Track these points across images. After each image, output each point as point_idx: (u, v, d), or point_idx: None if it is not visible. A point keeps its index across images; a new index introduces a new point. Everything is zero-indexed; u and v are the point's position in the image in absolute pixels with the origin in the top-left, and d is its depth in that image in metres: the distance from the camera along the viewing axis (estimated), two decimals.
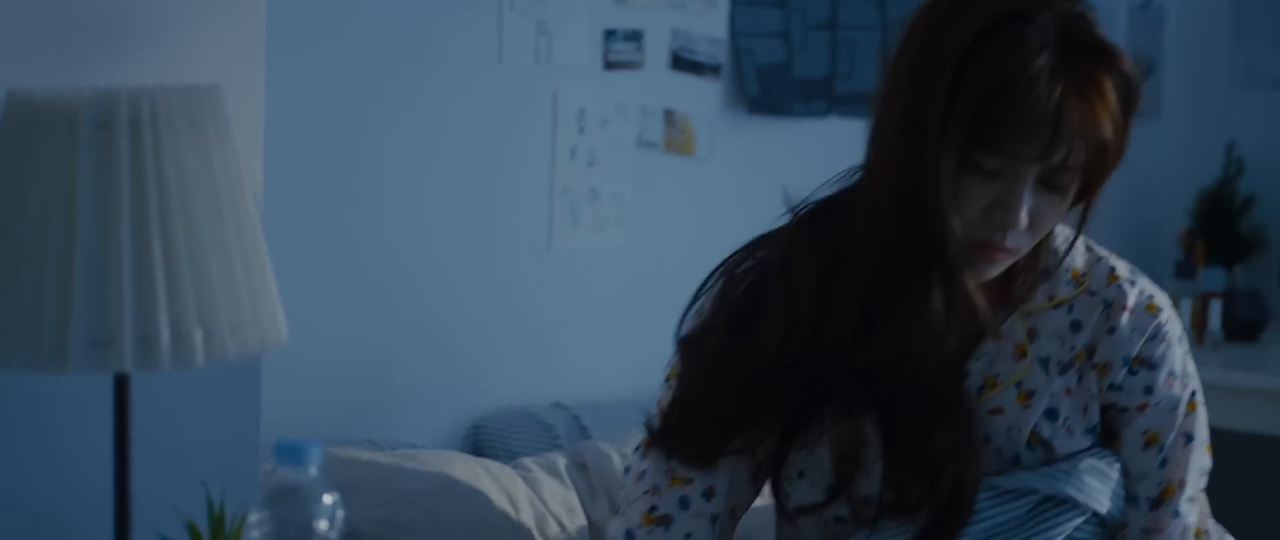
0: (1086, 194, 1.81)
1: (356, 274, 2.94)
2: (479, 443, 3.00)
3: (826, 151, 3.67)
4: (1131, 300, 1.91)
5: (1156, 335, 1.90)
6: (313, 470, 1.56)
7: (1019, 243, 1.78)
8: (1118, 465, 1.91)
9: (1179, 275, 4.41)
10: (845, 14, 3.75)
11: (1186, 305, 4.25)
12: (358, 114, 2.95)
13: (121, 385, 1.57)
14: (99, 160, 1.48)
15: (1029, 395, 1.87)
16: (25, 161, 1.49)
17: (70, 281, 1.47)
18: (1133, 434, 1.91)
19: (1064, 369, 1.89)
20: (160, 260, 1.49)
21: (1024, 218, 1.74)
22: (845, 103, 4.01)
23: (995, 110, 1.71)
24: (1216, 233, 4.55)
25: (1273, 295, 4.47)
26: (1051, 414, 1.88)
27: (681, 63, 3.51)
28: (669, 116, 3.46)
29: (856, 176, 1.86)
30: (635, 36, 3.43)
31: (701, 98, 3.50)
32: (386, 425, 2.94)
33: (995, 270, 1.81)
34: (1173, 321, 1.93)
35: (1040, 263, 1.88)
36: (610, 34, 3.38)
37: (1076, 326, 1.90)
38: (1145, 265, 4.85)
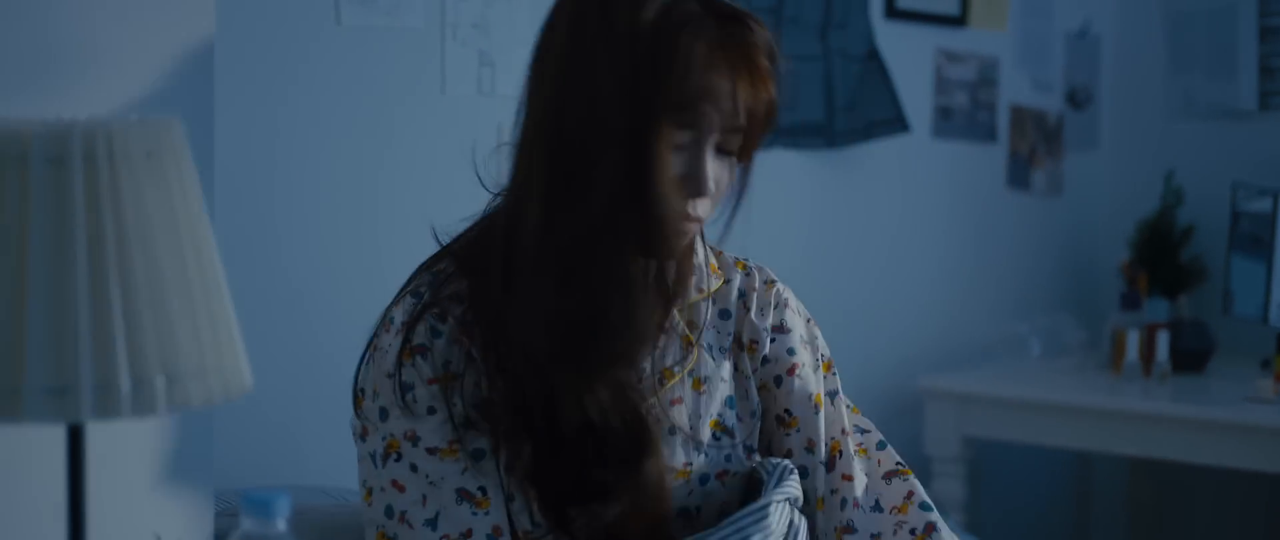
0: (743, 157, 1.87)
1: (302, 314, 2.85)
2: None
3: (772, 183, 3.61)
4: (758, 281, 2.01)
5: (779, 303, 2.02)
6: (280, 523, 1.47)
7: (707, 211, 1.85)
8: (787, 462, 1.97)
9: (1124, 306, 4.38)
10: (786, 45, 3.70)
11: (1134, 337, 4.22)
12: (300, 149, 2.86)
13: (75, 436, 1.47)
14: (52, 196, 1.39)
15: (703, 382, 1.94)
16: None
17: (22, 325, 1.38)
18: (798, 399, 2.00)
19: (725, 355, 1.97)
20: (119, 302, 1.39)
21: (711, 184, 1.80)
22: (789, 134, 3.96)
23: (679, 92, 1.76)
24: (1157, 263, 4.54)
25: (1216, 325, 4.45)
26: (730, 401, 1.96)
27: None
28: None
29: (498, 203, 1.91)
30: None
31: None
32: (336, 471, 2.85)
33: (684, 244, 1.87)
34: (789, 291, 2.05)
35: (692, 253, 1.95)
36: None
37: (725, 315, 1.99)
38: (1088, 296, 4.87)
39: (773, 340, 2.00)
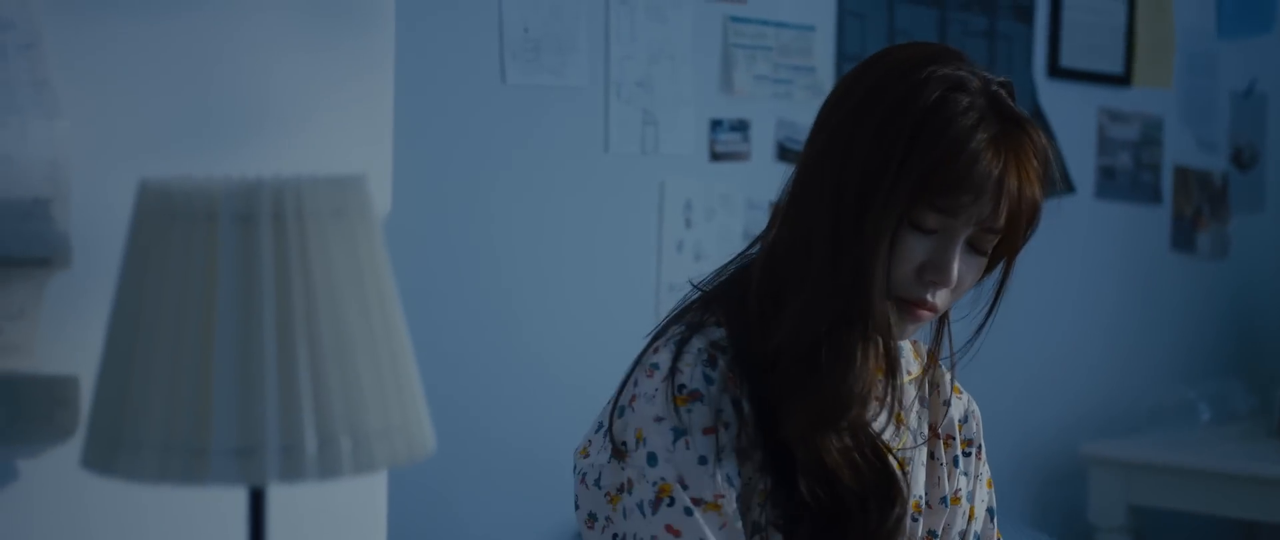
0: (1007, 257, 1.88)
1: (467, 373, 2.83)
2: None
3: None
4: (947, 380, 2.01)
5: (969, 417, 2.03)
6: None
7: (945, 302, 1.84)
8: None
9: None
10: None
11: None
12: (465, 205, 2.86)
13: (257, 499, 1.45)
14: (240, 254, 1.37)
15: (907, 463, 1.93)
16: (161, 256, 1.38)
17: (208, 385, 1.36)
18: (979, 506, 2.03)
19: (923, 440, 1.97)
20: (306, 362, 1.37)
21: (955, 275, 1.79)
22: None
23: (944, 174, 1.77)
24: None
25: None
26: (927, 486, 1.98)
27: (788, 154, 3.41)
28: (774, 208, 3.35)
29: (756, 249, 1.90)
30: (741, 127, 3.33)
31: None
32: (489, 533, 2.82)
33: (916, 330, 1.87)
34: (974, 403, 2.06)
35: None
36: (716, 124, 3.28)
37: (923, 401, 1.99)
38: (1257, 361, 4.74)
39: (965, 454, 2.02)
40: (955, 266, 1.79)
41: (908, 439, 1.94)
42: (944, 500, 1.99)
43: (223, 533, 1.64)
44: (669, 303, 3.17)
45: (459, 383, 2.85)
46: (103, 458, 1.41)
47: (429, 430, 1.47)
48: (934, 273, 1.79)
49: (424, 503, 2.72)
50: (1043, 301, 4.19)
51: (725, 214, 3.27)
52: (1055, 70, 4.17)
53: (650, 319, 3.15)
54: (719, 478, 1.78)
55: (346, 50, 1.82)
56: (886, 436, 1.89)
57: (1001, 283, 1.90)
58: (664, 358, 1.81)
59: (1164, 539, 4.45)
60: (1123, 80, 4.38)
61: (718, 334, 1.83)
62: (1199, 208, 4.63)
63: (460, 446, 2.84)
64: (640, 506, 1.78)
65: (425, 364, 2.56)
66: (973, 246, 1.82)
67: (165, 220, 1.39)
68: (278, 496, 1.54)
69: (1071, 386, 4.31)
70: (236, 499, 1.48)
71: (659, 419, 1.78)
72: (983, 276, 1.88)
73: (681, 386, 1.79)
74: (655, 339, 1.87)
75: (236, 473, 1.36)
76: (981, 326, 1.91)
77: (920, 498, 1.95)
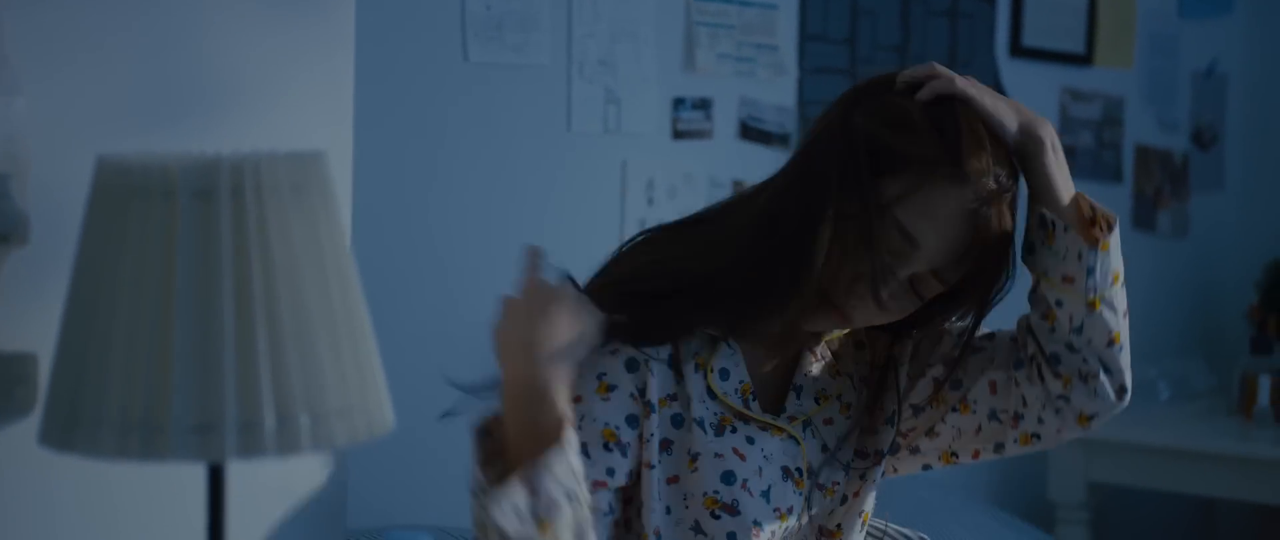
0: (975, 313, 1.90)
1: (419, 350, 2.83)
2: None
3: None
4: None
5: None
6: None
7: (863, 322, 1.86)
8: None
9: (1254, 351, 4.28)
10: None
11: (1265, 382, 4.12)
12: (427, 184, 2.85)
13: (216, 475, 1.45)
14: (199, 231, 1.37)
15: (848, 407, 1.96)
16: (119, 232, 1.38)
17: (167, 361, 1.36)
18: None
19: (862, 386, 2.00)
20: (265, 338, 1.37)
21: (898, 301, 1.82)
22: None
23: (932, 205, 1.78)
24: None
25: None
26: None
27: (750, 132, 3.41)
28: (739, 188, 3.36)
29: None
30: (704, 105, 3.33)
31: (771, 168, 3.39)
32: (452, 511, 2.82)
33: (836, 331, 1.92)
34: None
35: None
36: (679, 102, 3.28)
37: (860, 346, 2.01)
38: (1216, 340, 4.76)
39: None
40: (895, 291, 1.82)
41: (843, 387, 1.98)
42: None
43: (184, 509, 1.64)
44: None
45: (421, 361, 2.84)
46: (61, 435, 1.40)
47: (388, 408, 1.47)
48: (872, 287, 1.80)
49: (384, 482, 2.72)
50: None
51: (688, 192, 3.28)
52: (1017, 50, 4.18)
53: None
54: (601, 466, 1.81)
55: (307, 27, 1.82)
56: (820, 385, 1.95)
57: (969, 331, 1.91)
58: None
59: (1124, 516, 4.47)
60: (1084, 60, 4.39)
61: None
62: (1160, 187, 4.65)
63: (421, 425, 2.84)
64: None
65: (387, 342, 2.56)
66: (922, 281, 1.83)
67: (123, 196, 1.38)
68: (238, 473, 1.54)
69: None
70: (197, 475, 1.47)
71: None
72: (948, 318, 1.91)
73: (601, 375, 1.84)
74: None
75: (195, 449, 1.36)
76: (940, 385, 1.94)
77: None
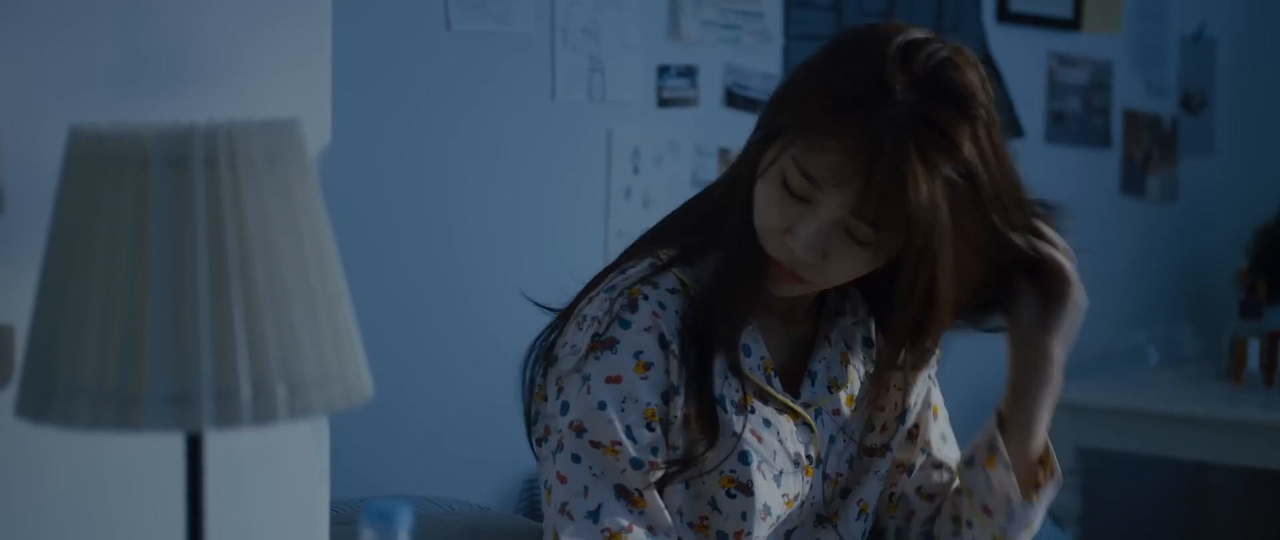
0: (916, 267, 1.78)
1: (410, 319, 2.82)
2: (536, 500, 2.88)
3: None
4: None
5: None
6: (403, 535, 1.43)
7: (810, 275, 1.79)
8: None
9: (1244, 315, 4.28)
10: None
11: (1254, 346, 4.13)
12: (411, 154, 2.84)
13: (195, 445, 1.44)
14: (173, 200, 1.36)
15: (854, 399, 1.94)
16: (93, 202, 1.37)
17: (143, 332, 1.35)
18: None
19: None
20: (240, 308, 1.36)
21: (806, 245, 1.75)
22: None
23: (819, 134, 1.72)
24: (1276, 270, 4.43)
25: None
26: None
27: (736, 99, 3.41)
28: (724, 155, 3.35)
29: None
30: (689, 73, 3.32)
31: None
32: (435, 481, 2.82)
33: (783, 288, 1.83)
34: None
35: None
36: (664, 70, 3.27)
37: (867, 342, 1.99)
38: (1206, 305, 4.76)
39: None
40: (809, 237, 1.75)
41: (853, 378, 1.96)
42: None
43: (164, 479, 1.64)
44: (617, 249, 3.16)
45: (403, 330, 2.84)
46: (37, 405, 1.40)
47: (366, 377, 1.47)
48: (790, 237, 1.77)
49: (367, 451, 2.71)
50: None
51: (673, 160, 3.27)
52: (1005, 15, 4.17)
53: (598, 265, 3.15)
54: (619, 425, 1.78)
55: None
56: (832, 372, 1.93)
57: (926, 323, 1.84)
58: (592, 308, 1.83)
59: (1113, 481, 4.48)
60: (1072, 25, 4.38)
61: (646, 269, 1.84)
62: (1149, 152, 4.64)
63: (403, 395, 2.84)
64: (553, 454, 1.80)
65: (369, 311, 2.57)
66: (852, 233, 1.77)
67: (96, 165, 1.37)
68: (218, 444, 1.53)
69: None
70: (178, 446, 1.47)
71: (576, 369, 1.80)
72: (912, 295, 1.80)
73: (596, 336, 1.80)
74: (590, 288, 1.88)
75: (171, 419, 1.36)
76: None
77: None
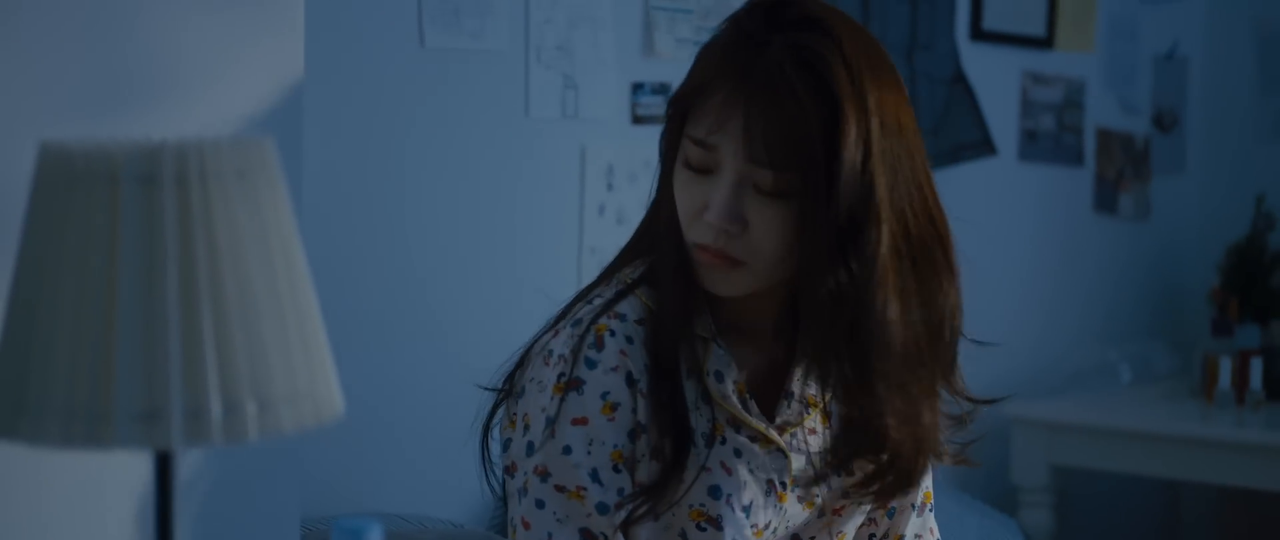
0: (825, 222, 1.72)
1: (382, 338, 2.82)
2: (506, 517, 2.87)
3: None
4: None
5: None
6: None
7: (738, 251, 1.74)
8: None
9: (1216, 333, 4.29)
10: None
11: (1226, 364, 4.14)
12: (383, 170, 2.84)
13: (164, 462, 1.43)
14: (143, 217, 1.35)
15: (829, 418, 1.91)
16: (62, 218, 1.36)
17: (111, 349, 1.34)
18: None
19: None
20: (210, 325, 1.36)
21: (719, 211, 1.72)
22: None
23: (700, 96, 1.73)
24: (1248, 289, 4.44)
25: None
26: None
27: None
28: None
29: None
30: (664, 90, 3.32)
31: None
32: (406, 498, 2.81)
33: (720, 280, 1.78)
34: None
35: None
36: (638, 87, 3.27)
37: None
38: (1178, 323, 4.77)
39: None
40: (721, 201, 1.72)
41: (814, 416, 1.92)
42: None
43: (133, 498, 1.63)
44: (591, 267, 3.17)
45: (375, 347, 2.83)
46: (6, 423, 1.39)
47: (337, 394, 1.46)
48: (707, 213, 1.74)
49: (337, 468, 2.70)
50: (964, 263, 4.20)
51: (647, 178, 3.26)
52: (978, 33, 4.18)
53: (572, 283, 3.15)
54: (584, 470, 1.76)
55: (256, 8, 1.80)
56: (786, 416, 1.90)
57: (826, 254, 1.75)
58: (558, 343, 1.80)
59: (1087, 499, 4.49)
60: (1045, 43, 4.39)
61: (625, 304, 1.82)
62: (1121, 170, 4.66)
63: (374, 411, 2.83)
64: (519, 495, 1.79)
65: (342, 329, 2.56)
66: (759, 188, 1.73)
67: (66, 182, 1.37)
68: (189, 463, 1.53)
69: (996, 349, 4.32)
70: (148, 465, 1.46)
71: (542, 409, 1.78)
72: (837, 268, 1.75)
73: (561, 375, 1.78)
74: (558, 321, 1.86)
75: (140, 437, 1.35)
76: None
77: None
